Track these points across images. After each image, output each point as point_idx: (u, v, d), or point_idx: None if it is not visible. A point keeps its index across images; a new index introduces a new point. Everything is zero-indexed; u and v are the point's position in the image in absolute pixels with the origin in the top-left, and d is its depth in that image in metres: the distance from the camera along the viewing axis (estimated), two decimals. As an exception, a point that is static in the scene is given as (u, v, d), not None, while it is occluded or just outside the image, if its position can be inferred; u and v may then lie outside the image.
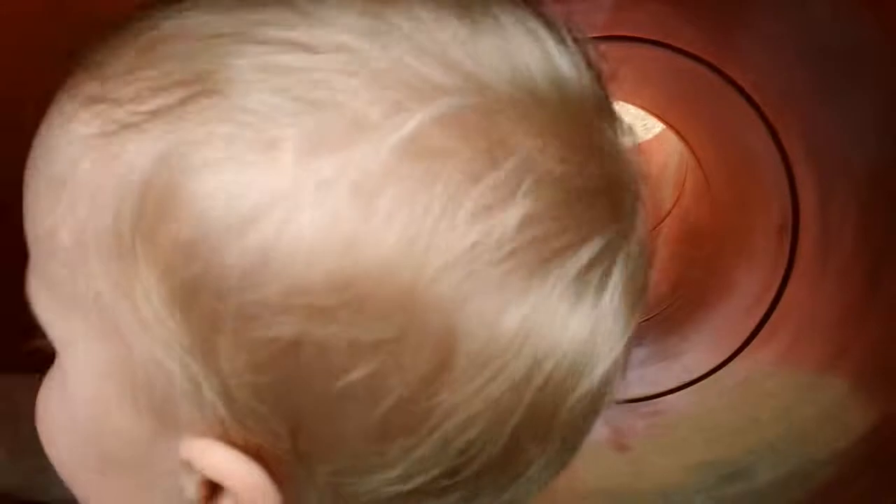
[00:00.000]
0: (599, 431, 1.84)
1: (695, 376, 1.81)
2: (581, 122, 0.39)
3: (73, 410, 0.35)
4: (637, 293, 0.40)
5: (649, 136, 2.91)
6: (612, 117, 0.42)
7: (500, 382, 0.33)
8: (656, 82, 2.06)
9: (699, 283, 2.26)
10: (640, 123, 3.34)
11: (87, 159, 0.33)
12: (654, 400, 1.88)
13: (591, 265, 0.37)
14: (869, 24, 1.29)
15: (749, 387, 1.66)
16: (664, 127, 2.52)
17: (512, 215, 0.35)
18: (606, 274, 0.37)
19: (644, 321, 1.90)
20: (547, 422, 0.36)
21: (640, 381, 2.00)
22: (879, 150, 1.41)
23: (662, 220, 2.63)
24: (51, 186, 0.34)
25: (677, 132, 2.35)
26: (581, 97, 0.39)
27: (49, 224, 0.34)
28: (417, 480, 0.34)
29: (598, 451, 1.86)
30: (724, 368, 1.78)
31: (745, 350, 1.74)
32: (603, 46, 1.57)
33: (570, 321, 0.36)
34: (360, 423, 0.32)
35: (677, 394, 1.82)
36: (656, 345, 2.16)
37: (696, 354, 1.92)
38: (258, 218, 0.31)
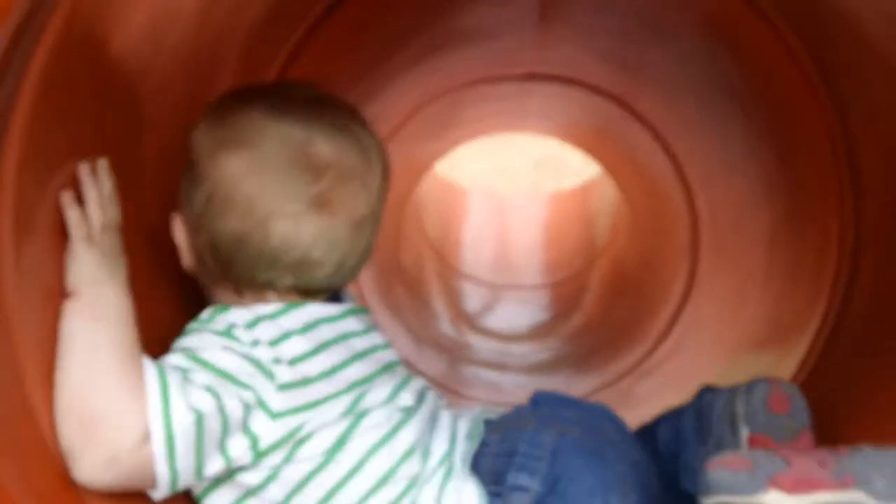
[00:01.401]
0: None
1: (608, 381, 1.96)
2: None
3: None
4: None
5: (587, 178, 3.09)
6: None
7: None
8: (579, 120, 2.24)
9: (626, 309, 2.42)
10: (584, 168, 3.53)
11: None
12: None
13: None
14: (743, 68, 1.49)
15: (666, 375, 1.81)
16: (601, 170, 2.69)
17: None
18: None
19: (575, 346, 2.06)
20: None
21: (564, 390, 2.16)
22: (755, 175, 1.59)
23: (596, 258, 2.80)
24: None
25: (609, 171, 2.52)
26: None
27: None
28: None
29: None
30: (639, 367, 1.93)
31: (660, 348, 1.90)
32: (530, 85, 1.81)
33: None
34: None
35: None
36: (581, 361, 2.32)
37: (616, 362, 2.08)
38: None
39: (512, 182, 3.52)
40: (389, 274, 2.42)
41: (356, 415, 0.92)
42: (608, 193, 2.82)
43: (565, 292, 2.75)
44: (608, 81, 1.88)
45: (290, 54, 1.24)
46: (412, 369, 1.46)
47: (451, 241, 2.86)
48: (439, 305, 2.59)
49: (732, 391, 1.02)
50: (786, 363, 1.25)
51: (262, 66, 1.22)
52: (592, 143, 2.38)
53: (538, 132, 2.70)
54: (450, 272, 2.68)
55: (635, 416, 1.72)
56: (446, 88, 1.88)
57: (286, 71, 1.24)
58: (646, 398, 1.75)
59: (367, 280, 2.17)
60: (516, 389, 2.30)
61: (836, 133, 1.20)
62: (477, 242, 2.92)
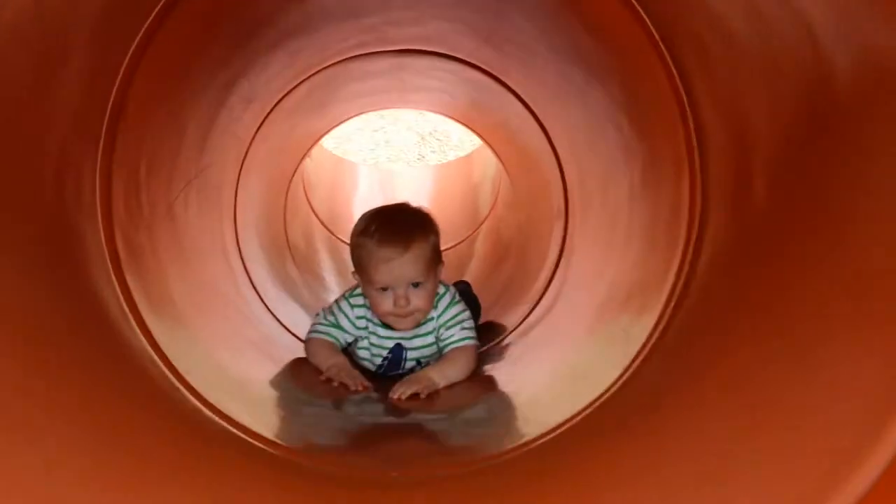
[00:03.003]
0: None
1: (490, 340, 1.95)
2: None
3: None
4: None
5: (471, 151, 3.07)
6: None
7: None
8: (455, 93, 2.21)
9: (507, 273, 2.42)
10: (468, 140, 3.53)
11: None
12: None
13: None
14: (597, 38, 1.47)
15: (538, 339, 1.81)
16: (482, 143, 2.68)
17: None
18: None
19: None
20: None
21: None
22: (616, 143, 1.59)
23: (479, 226, 2.80)
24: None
25: (488, 143, 2.51)
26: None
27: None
28: None
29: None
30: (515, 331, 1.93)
31: (537, 308, 1.90)
32: (406, 59, 1.75)
33: None
34: None
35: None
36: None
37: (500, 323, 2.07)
38: None
39: (399, 156, 3.49)
40: (279, 251, 2.37)
41: None
42: (489, 164, 2.81)
43: (452, 260, 2.73)
44: (478, 54, 1.85)
45: (145, 37, 1.16)
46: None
47: (340, 213, 2.81)
48: (330, 278, 2.55)
49: None
50: (647, 316, 1.25)
51: (114, 51, 1.14)
52: (469, 115, 2.35)
53: (419, 107, 2.66)
54: (339, 245, 2.63)
55: (511, 372, 1.72)
56: (319, 65, 1.82)
57: (143, 53, 1.17)
58: (521, 356, 1.75)
59: (256, 258, 2.11)
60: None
61: (683, 101, 1.19)
62: (366, 215, 2.88)
